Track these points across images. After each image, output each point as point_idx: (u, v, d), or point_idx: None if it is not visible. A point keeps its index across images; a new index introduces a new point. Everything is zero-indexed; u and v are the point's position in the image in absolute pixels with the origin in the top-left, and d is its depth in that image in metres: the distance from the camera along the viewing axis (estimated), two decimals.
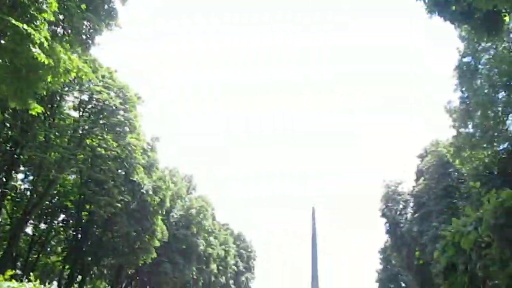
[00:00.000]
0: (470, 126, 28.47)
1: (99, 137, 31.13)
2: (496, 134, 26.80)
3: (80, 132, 30.67)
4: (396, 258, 52.88)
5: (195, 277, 46.56)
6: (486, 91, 25.62)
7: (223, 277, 63.40)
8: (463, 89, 27.67)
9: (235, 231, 79.53)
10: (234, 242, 75.09)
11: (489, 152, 28.28)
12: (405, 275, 54.22)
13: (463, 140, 29.31)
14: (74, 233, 36.04)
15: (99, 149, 29.87)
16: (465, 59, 28.05)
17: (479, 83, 26.29)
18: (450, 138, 33.42)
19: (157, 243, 35.95)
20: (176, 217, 44.63)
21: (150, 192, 33.90)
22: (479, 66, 27.36)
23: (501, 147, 27.80)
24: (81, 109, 31.98)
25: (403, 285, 64.18)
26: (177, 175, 47.99)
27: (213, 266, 53.12)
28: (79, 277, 38.03)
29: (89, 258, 36.66)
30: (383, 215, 49.74)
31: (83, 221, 35.95)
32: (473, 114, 27.19)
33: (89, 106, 31.78)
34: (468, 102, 27.44)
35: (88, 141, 31.36)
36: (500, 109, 25.78)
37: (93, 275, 42.82)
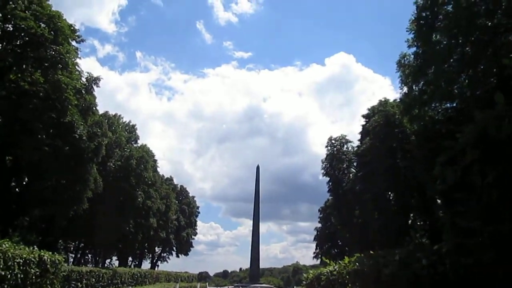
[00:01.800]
0: (421, 83, 27.71)
1: (25, 73, 27.38)
2: (447, 92, 26.20)
3: (3, 65, 26.81)
4: (335, 217, 53.34)
5: (132, 230, 44.34)
6: (442, 45, 24.68)
7: (164, 232, 61.67)
8: (419, 43, 26.65)
9: (178, 186, 77.53)
10: (176, 198, 73.20)
11: (439, 110, 27.77)
12: (343, 234, 54.95)
13: (414, 97, 28.63)
14: None
15: (22, 83, 26.18)
16: (423, 13, 26.93)
17: (437, 36, 25.30)
18: (400, 96, 32.77)
19: (89, 193, 33.16)
20: (114, 167, 41.71)
21: (84, 138, 30.70)
22: (437, 23, 26.29)
23: (450, 105, 27.33)
24: (5, 41, 28.00)
25: (339, 243, 65.49)
26: (117, 123, 44.67)
27: (153, 220, 51.05)
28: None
29: (15, 207, 33.33)
30: (327, 173, 49.55)
31: (8, 166, 32.30)
32: (426, 69, 26.34)
33: (14, 37, 27.83)
34: (423, 58, 26.50)
35: (12, 77, 27.53)
36: (455, 64, 24.94)
37: (20, 227, 39.44)
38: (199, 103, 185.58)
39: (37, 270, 11.63)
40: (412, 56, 28.32)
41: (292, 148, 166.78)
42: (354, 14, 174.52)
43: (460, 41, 24.89)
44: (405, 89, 30.09)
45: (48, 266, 12.35)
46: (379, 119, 40.79)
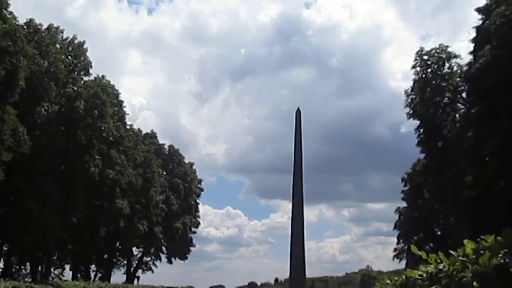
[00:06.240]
0: None
1: None
2: None
3: None
4: (431, 188, 51.09)
5: (81, 221, 43.17)
6: None
7: (143, 222, 60.72)
8: None
9: (165, 146, 76.57)
10: (163, 166, 72.36)
11: None
12: (447, 214, 52.85)
13: None
14: None
15: None
16: None
17: None
18: None
19: (7, 156, 31.76)
20: (48, 115, 40.06)
21: None
22: None
23: None
24: None
25: (438, 232, 63.43)
26: (50, 40, 42.32)
27: (123, 203, 49.95)
28: None
29: None
30: (415, 113, 46.98)
31: None
32: None
33: None
34: None
35: None
36: None
37: None
38: (200, 15, 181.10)
39: None
40: None
41: (354, 83, 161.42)
42: None
43: None
44: None
45: None
46: (508, 11, 37.45)
